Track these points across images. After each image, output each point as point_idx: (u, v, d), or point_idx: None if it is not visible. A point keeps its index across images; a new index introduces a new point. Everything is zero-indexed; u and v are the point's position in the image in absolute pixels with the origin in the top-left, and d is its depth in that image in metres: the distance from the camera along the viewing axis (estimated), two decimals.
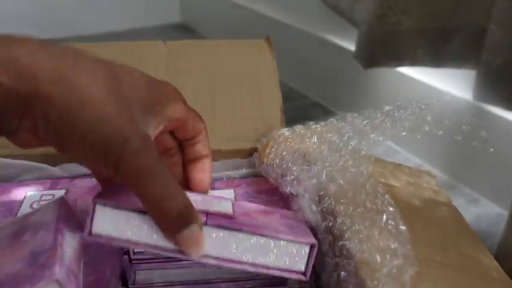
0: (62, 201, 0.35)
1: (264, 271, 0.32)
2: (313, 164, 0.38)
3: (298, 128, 0.42)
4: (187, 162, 0.38)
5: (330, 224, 0.33)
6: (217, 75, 0.54)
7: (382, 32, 0.71)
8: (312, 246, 0.32)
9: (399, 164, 0.51)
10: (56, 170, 0.48)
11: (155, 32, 1.39)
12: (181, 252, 0.31)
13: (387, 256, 0.29)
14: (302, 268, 0.32)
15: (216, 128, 0.52)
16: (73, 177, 0.49)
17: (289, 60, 1.05)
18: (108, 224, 0.31)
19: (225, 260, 0.32)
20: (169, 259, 0.43)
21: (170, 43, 0.55)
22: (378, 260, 0.29)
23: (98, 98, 0.29)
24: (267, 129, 0.50)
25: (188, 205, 0.30)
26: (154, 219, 0.30)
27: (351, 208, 0.33)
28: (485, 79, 0.64)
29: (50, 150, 0.50)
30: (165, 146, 0.38)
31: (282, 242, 0.32)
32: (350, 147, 0.37)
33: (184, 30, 1.43)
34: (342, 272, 0.32)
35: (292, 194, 0.39)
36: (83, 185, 0.47)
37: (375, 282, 0.28)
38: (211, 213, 0.33)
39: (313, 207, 0.35)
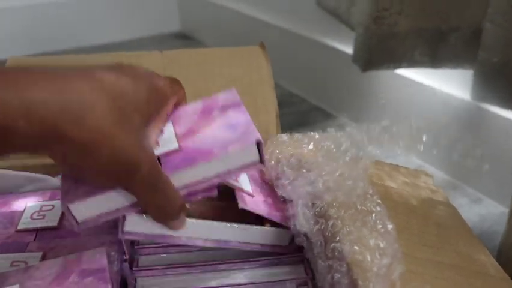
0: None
1: (231, 174, 0.38)
2: (309, 170, 0.39)
3: (297, 135, 0.43)
4: None
5: (322, 226, 0.33)
6: (212, 82, 0.54)
7: (378, 34, 0.71)
8: (258, 143, 0.37)
9: (397, 165, 0.51)
10: (56, 181, 0.49)
11: (155, 41, 1.40)
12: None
13: (377, 255, 0.29)
14: (257, 159, 0.37)
15: None
16: None
17: (289, 65, 1.05)
18: (84, 211, 0.36)
19: (198, 182, 0.37)
20: (170, 265, 0.44)
21: (167, 52, 0.56)
22: (369, 259, 0.29)
23: (108, 132, 0.31)
24: (263, 134, 0.50)
25: (183, 206, 0.36)
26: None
27: (343, 211, 0.33)
28: (482, 78, 0.64)
29: (50, 160, 0.52)
30: None
31: (231, 152, 0.36)
32: (348, 157, 0.37)
33: (184, 38, 1.45)
34: (336, 274, 0.32)
35: (286, 198, 0.39)
36: None
37: (367, 282, 0.28)
38: (161, 155, 0.37)
39: (307, 212, 0.35)
